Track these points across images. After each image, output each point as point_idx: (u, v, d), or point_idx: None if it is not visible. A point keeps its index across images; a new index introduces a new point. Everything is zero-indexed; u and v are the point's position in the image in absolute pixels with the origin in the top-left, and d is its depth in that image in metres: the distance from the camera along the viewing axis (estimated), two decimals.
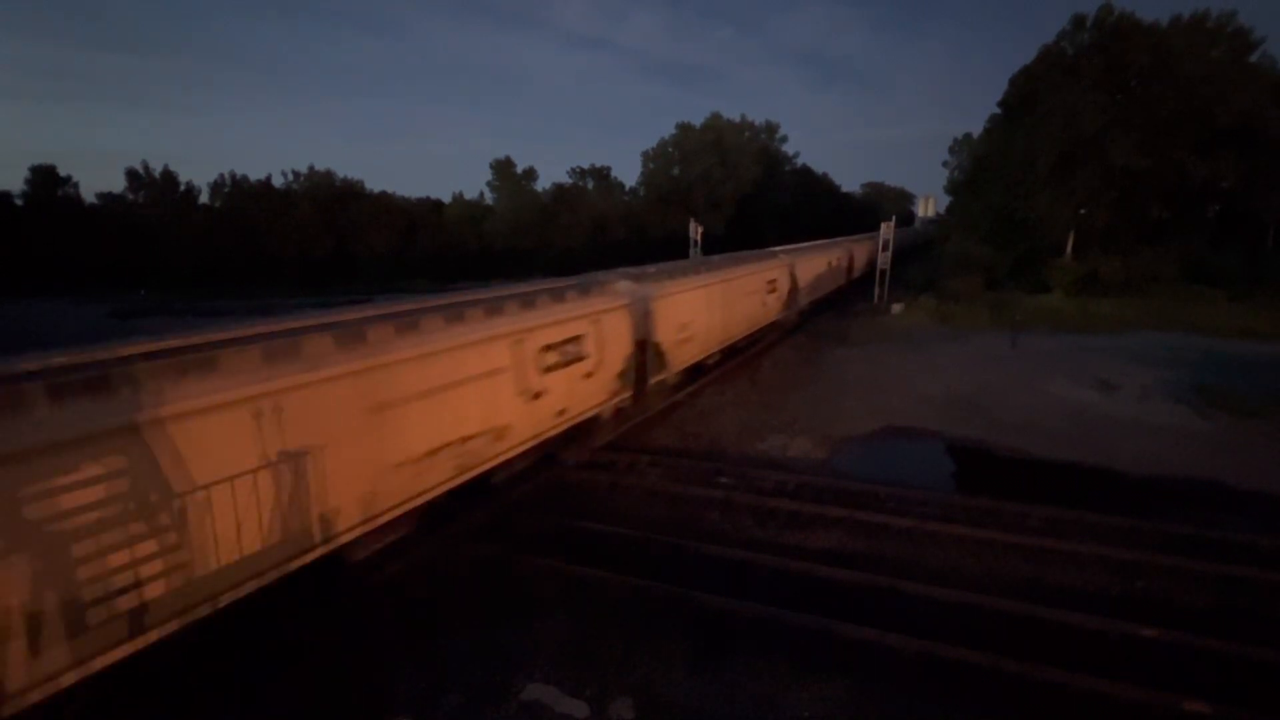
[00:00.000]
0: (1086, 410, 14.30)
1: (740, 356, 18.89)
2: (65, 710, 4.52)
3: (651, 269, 13.98)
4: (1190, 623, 6.68)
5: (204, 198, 58.11)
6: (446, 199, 66.27)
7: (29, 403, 4.26)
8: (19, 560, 4.07)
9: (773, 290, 19.89)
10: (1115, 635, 6.50)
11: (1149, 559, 7.90)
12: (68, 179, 55.50)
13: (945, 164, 63.87)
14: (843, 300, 31.57)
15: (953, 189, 53.85)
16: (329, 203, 56.06)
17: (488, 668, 6.21)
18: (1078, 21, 31.60)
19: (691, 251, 29.78)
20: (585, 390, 10.41)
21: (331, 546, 6.18)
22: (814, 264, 25.51)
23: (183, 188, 57.52)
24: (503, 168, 63.75)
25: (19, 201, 53.24)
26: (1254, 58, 31.55)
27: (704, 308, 14.93)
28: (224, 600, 5.24)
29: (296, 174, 59.79)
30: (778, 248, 23.53)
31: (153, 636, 4.79)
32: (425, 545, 8.05)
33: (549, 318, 9.39)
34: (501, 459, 8.59)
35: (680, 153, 58.63)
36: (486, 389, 8.13)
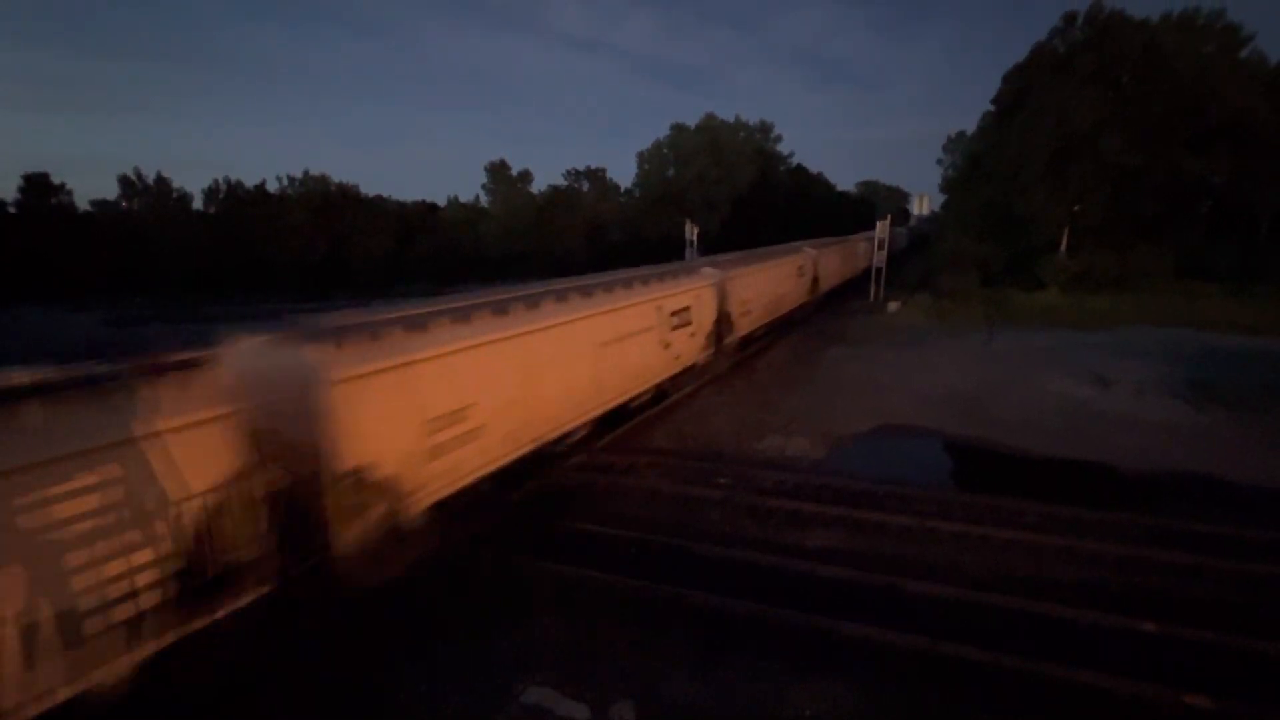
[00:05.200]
0: (1083, 406, 14.34)
1: (731, 359, 18.59)
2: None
3: (330, 324, 7.12)
4: (1189, 616, 6.69)
5: (198, 204, 57.98)
6: (442, 202, 66.31)
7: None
8: None
9: (685, 324, 14.78)
10: (1115, 630, 6.51)
11: (1147, 553, 7.92)
12: (61, 186, 55.26)
13: (940, 162, 64.17)
14: (831, 305, 31.14)
15: (947, 187, 54.12)
16: (324, 207, 55.92)
17: (487, 670, 6.20)
18: (1069, 18, 31.74)
19: (688, 252, 29.84)
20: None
21: None
22: (759, 280, 19.93)
23: (176, 194, 57.36)
24: (497, 170, 63.70)
25: (12, 210, 52.99)
26: (1244, 54, 31.71)
27: (508, 375, 8.91)
28: None
29: (291, 179, 59.61)
30: (702, 259, 18.85)
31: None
32: (424, 548, 8.02)
33: None
34: None
35: (675, 154, 58.60)
36: None
